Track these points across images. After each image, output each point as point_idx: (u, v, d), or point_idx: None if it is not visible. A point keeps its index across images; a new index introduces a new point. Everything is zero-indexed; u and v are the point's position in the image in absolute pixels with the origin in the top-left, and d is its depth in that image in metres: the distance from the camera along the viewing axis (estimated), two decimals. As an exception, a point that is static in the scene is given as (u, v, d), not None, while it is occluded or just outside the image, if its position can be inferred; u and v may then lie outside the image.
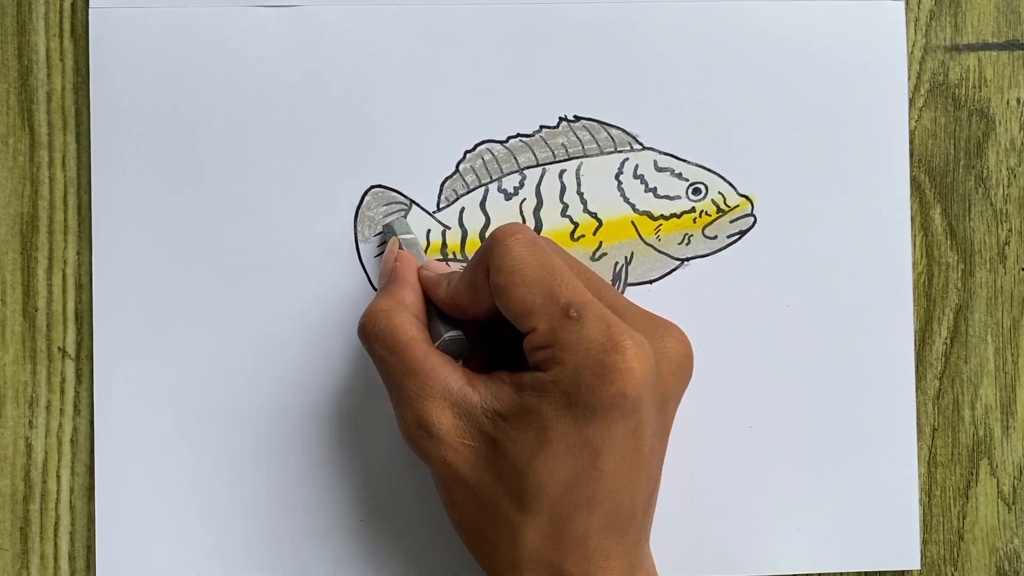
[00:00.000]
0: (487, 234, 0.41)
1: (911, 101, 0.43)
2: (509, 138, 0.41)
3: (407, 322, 0.36)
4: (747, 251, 0.42)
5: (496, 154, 0.41)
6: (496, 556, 0.34)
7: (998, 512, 0.43)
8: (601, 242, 0.42)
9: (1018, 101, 0.43)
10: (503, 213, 0.42)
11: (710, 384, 0.41)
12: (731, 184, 0.42)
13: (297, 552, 0.41)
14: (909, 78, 0.43)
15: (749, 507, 0.41)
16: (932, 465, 0.43)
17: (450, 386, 0.35)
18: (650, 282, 0.42)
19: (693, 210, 0.42)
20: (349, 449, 0.41)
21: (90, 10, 0.41)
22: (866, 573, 0.42)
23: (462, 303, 0.36)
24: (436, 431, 0.35)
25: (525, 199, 0.42)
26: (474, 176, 0.41)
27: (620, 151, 0.42)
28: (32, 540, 0.41)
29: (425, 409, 0.35)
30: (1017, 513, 0.43)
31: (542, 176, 0.42)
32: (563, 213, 0.42)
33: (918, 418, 0.42)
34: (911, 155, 0.43)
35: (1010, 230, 0.43)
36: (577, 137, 0.42)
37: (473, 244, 0.41)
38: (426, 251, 0.41)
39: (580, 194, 0.42)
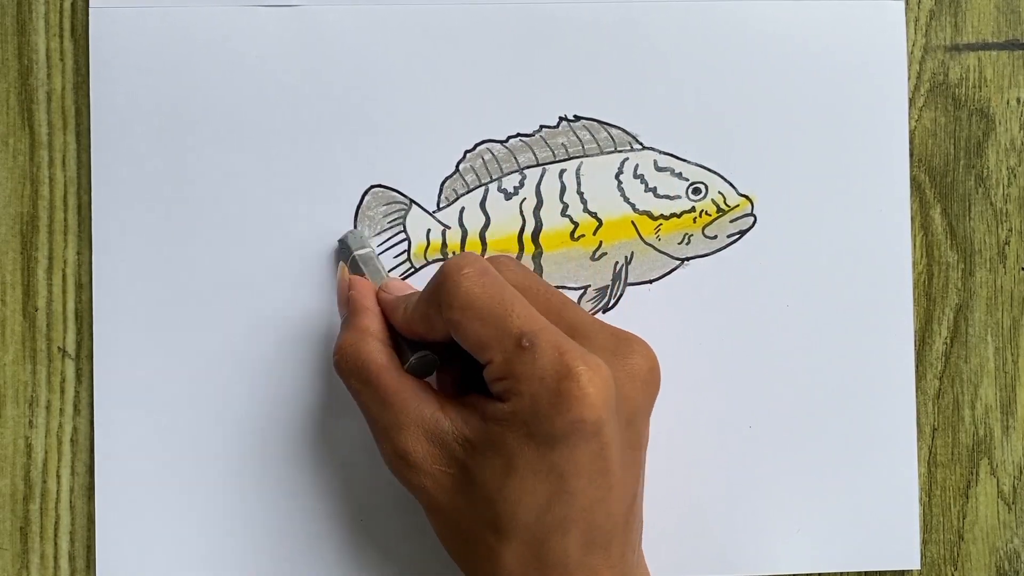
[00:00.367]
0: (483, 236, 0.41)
1: (911, 101, 0.43)
2: (509, 138, 0.41)
3: (375, 351, 0.36)
4: (747, 251, 0.42)
5: (496, 154, 0.41)
6: None
7: (998, 512, 0.43)
8: (601, 242, 0.42)
9: (1018, 101, 0.43)
10: (503, 213, 0.42)
11: (710, 384, 0.41)
12: (731, 184, 0.42)
13: (297, 552, 0.41)
14: (909, 78, 0.43)
15: (749, 507, 0.41)
16: (932, 465, 0.43)
17: (423, 414, 0.35)
18: (650, 282, 0.42)
19: (693, 210, 0.42)
20: (350, 449, 0.41)
21: (90, 10, 0.41)
22: (866, 573, 0.42)
23: (418, 331, 0.36)
24: (413, 460, 0.35)
25: (525, 199, 0.42)
26: (474, 176, 0.41)
27: (620, 151, 0.42)
28: (32, 540, 0.41)
29: (401, 439, 0.35)
30: (1017, 513, 0.43)
31: (542, 176, 0.42)
32: (563, 213, 0.42)
33: (918, 418, 0.42)
34: (911, 155, 0.43)
35: (1010, 230, 0.43)
36: (577, 137, 0.42)
37: (473, 244, 0.41)
38: (426, 251, 0.41)
39: (580, 194, 0.42)
